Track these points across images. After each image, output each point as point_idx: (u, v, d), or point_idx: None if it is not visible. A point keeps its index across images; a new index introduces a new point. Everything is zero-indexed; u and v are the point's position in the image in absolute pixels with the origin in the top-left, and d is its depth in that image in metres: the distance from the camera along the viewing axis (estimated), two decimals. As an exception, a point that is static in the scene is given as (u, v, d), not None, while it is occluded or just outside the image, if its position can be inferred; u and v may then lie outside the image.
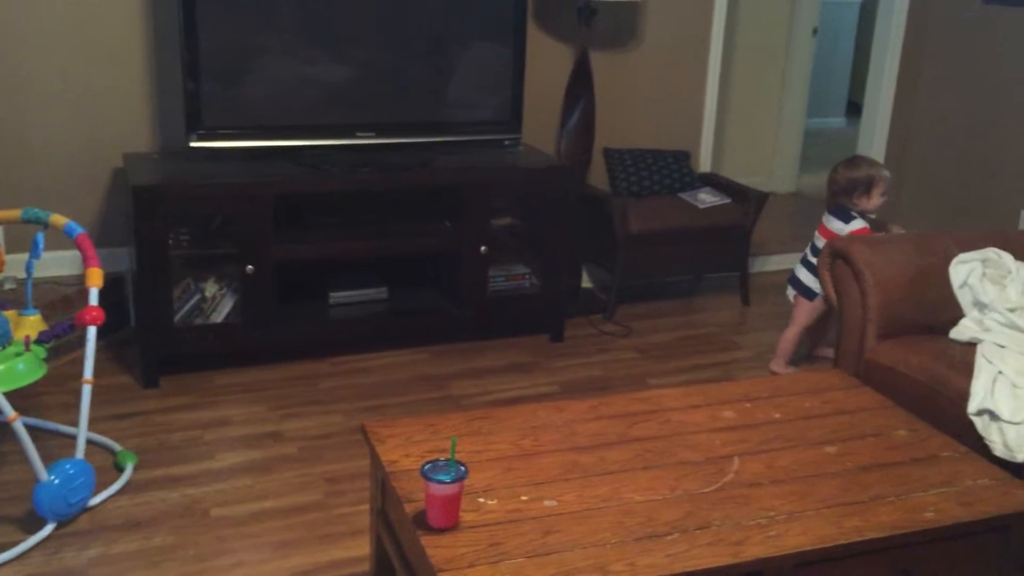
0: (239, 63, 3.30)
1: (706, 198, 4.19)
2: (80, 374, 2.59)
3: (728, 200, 4.20)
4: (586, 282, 4.39)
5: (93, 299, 2.62)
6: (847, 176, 3.48)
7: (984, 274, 2.80)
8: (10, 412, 2.35)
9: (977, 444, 2.37)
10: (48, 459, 2.50)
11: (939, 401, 2.55)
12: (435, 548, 1.68)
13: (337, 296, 3.64)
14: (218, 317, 3.38)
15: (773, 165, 5.82)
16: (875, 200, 3.48)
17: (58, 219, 2.73)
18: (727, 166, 5.30)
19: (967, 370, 2.55)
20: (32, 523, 2.48)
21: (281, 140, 3.39)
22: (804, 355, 3.80)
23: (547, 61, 4.09)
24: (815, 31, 5.70)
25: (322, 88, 3.43)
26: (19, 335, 2.66)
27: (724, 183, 4.35)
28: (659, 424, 2.19)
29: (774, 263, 4.75)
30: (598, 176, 4.29)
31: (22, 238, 3.29)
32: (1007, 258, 2.87)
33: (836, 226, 3.50)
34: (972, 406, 2.45)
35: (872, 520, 1.84)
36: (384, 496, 2.04)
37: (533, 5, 3.99)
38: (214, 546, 2.46)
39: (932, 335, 2.80)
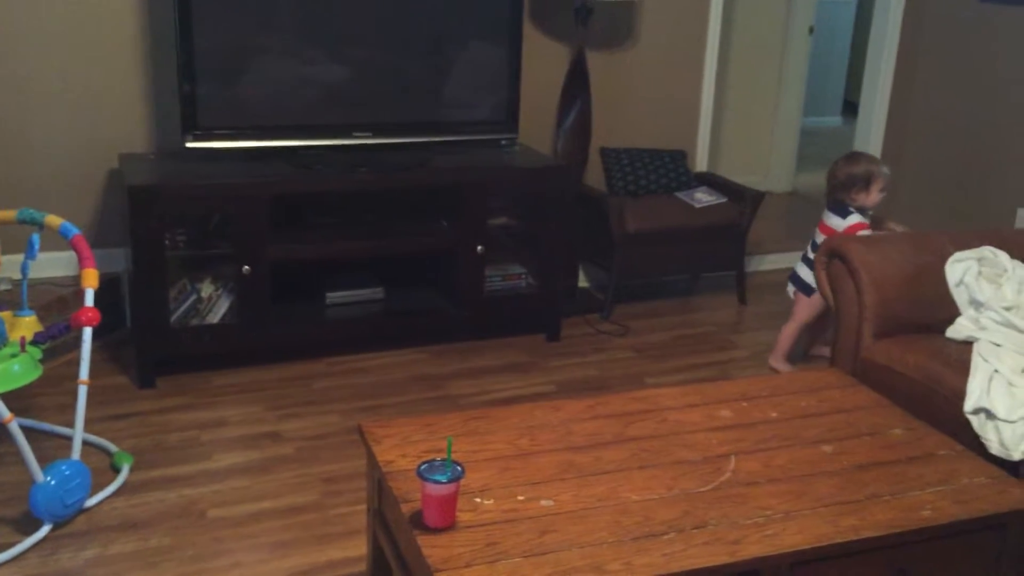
0: (235, 63, 3.29)
1: (702, 197, 4.20)
2: (76, 375, 2.59)
3: (724, 199, 4.20)
4: (583, 282, 4.39)
5: (89, 300, 2.62)
6: (846, 172, 3.50)
7: (980, 273, 2.80)
8: (6, 413, 2.35)
9: (973, 442, 2.37)
10: (44, 460, 2.49)
11: (935, 400, 2.55)
12: (432, 548, 1.68)
13: (334, 296, 3.64)
14: (214, 317, 3.37)
15: (769, 164, 5.83)
16: (874, 196, 3.49)
17: (54, 220, 2.73)
18: (723, 165, 5.31)
19: (963, 369, 2.55)
20: (28, 524, 2.48)
21: (277, 140, 3.38)
22: (801, 354, 3.80)
23: (543, 61, 4.09)
24: (811, 30, 5.71)
25: (318, 88, 3.42)
26: (15, 336, 2.65)
27: (720, 182, 4.36)
28: (656, 423, 2.19)
29: (770, 262, 4.76)
30: (595, 176, 4.29)
31: (18, 239, 3.28)
32: (1003, 257, 2.87)
33: (834, 222, 3.52)
34: (968, 404, 2.45)
35: (868, 519, 1.84)
36: (381, 496, 2.04)
37: (529, 5, 4.00)
38: (211, 547, 2.46)
39: (928, 334, 2.80)
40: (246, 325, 3.35)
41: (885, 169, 3.52)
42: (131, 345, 3.49)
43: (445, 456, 1.77)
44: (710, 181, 4.39)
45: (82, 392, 2.57)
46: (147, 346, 3.27)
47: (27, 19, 3.43)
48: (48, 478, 2.43)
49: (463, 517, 1.77)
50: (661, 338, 3.94)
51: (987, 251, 2.88)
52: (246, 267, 3.28)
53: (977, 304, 2.76)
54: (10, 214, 2.80)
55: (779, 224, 5.21)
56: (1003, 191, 4.38)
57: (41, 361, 2.62)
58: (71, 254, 3.33)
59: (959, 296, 2.81)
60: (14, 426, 2.37)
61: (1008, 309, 2.71)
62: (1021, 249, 2.95)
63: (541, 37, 4.12)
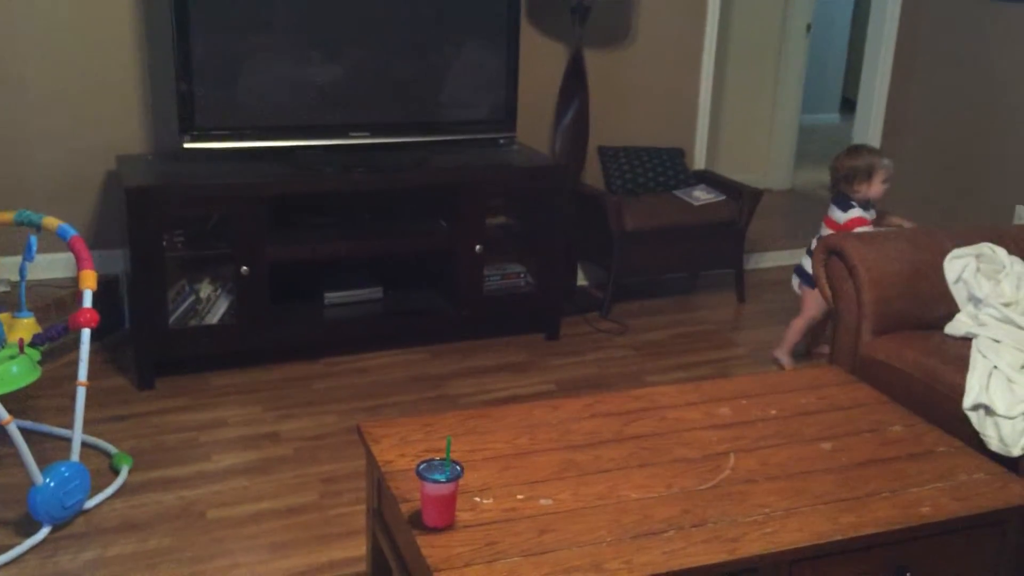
0: (232, 64, 3.29)
1: (701, 195, 4.20)
2: (75, 377, 2.58)
3: (723, 197, 4.20)
4: (581, 280, 4.39)
5: (87, 301, 2.62)
6: (848, 164, 3.54)
7: (979, 269, 2.80)
8: (5, 415, 2.35)
9: (973, 439, 2.37)
10: (43, 462, 2.49)
11: (934, 396, 2.55)
12: (431, 548, 1.68)
13: (332, 297, 3.64)
14: (213, 318, 3.37)
15: (768, 162, 5.82)
16: (876, 187, 3.51)
17: (51, 221, 2.73)
18: (722, 163, 5.30)
19: (962, 365, 2.55)
20: (27, 526, 2.48)
21: (275, 141, 3.38)
22: (802, 352, 3.80)
23: (541, 60, 4.09)
24: (809, 27, 5.71)
25: (316, 88, 3.42)
26: (13, 338, 2.65)
27: (719, 180, 4.36)
28: (655, 422, 2.19)
29: (769, 260, 4.76)
30: (593, 174, 4.29)
31: (16, 241, 3.28)
32: (1001, 253, 2.87)
33: (837, 215, 3.55)
34: (967, 401, 2.45)
35: (868, 516, 1.84)
36: (380, 496, 2.04)
37: (527, 4, 4.00)
38: (211, 548, 2.46)
39: (927, 331, 2.80)
40: (245, 326, 3.35)
41: (887, 160, 3.54)
42: (130, 346, 3.49)
43: (444, 456, 1.76)
44: (708, 179, 4.39)
45: (81, 393, 2.57)
46: (146, 347, 3.26)
47: (25, 21, 3.43)
48: (47, 480, 2.43)
49: (462, 516, 1.77)
50: (660, 336, 3.94)
51: (985, 247, 2.88)
52: (244, 268, 3.28)
53: (976, 300, 2.76)
54: (8, 216, 2.80)
55: (777, 222, 5.21)
56: (1001, 188, 4.38)
57: (40, 363, 2.62)
58: (69, 256, 3.33)
59: (958, 293, 2.81)
60: (13, 428, 2.37)
61: (1007, 305, 2.71)
62: (1019, 245, 2.95)
63: (539, 36, 4.12)
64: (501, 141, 3.73)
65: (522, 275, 3.84)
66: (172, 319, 3.29)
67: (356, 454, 2.87)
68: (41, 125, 3.53)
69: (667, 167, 4.33)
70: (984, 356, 2.54)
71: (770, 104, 5.72)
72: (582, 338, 3.88)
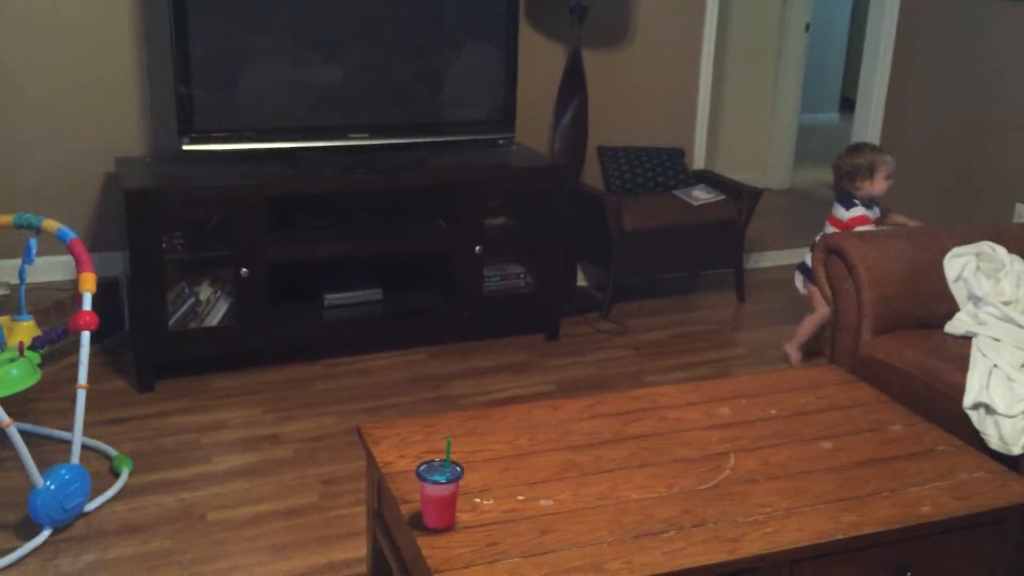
0: (231, 66, 3.29)
1: (700, 195, 4.19)
2: (75, 379, 2.58)
3: (722, 197, 4.20)
4: (581, 281, 4.39)
5: (87, 304, 2.62)
6: (850, 162, 3.57)
7: (978, 268, 2.80)
8: (5, 418, 2.35)
9: (973, 438, 2.37)
10: (43, 465, 2.49)
11: (935, 395, 2.55)
12: (431, 549, 1.68)
13: (332, 298, 3.64)
14: (213, 320, 3.37)
15: (767, 161, 5.82)
16: (879, 184, 3.52)
17: (50, 224, 2.73)
18: (721, 163, 5.30)
19: (962, 364, 2.55)
20: (28, 529, 2.48)
21: (274, 142, 3.38)
22: (803, 353, 3.79)
23: (540, 60, 4.09)
24: (808, 27, 5.71)
25: (314, 90, 3.42)
26: (13, 341, 2.65)
27: (718, 180, 4.35)
28: (655, 422, 2.19)
29: (769, 259, 4.76)
30: (592, 174, 4.29)
31: (15, 244, 3.28)
32: (1001, 251, 2.87)
33: (840, 213, 3.57)
34: (968, 400, 2.45)
35: (868, 515, 1.84)
36: (380, 497, 2.04)
37: (525, 4, 4.00)
38: (211, 550, 2.46)
39: (927, 329, 2.80)
40: (244, 328, 3.35)
41: (889, 157, 3.56)
42: (129, 349, 3.49)
43: (444, 457, 1.76)
44: (708, 179, 4.39)
45: (81, 396, 2.57)
46: (145, 350, 3.26)
47: (23, 23, 3.43)
48: (47, 483, 2.43)
49: (463, 517, 1.77)
50: (660, 336, 3.94)
51: (985, 246, 2.88)
52: (244, 269, 3.28)
53: (976, 299, 2.76)
54: (7, 219, 2.80)
55: (777, 221, 5.21)
56: (1001, 186, 4.38)
57: (40, 366, 2.62)
58: (69, 258, 3.33)
59: (958, 291, 2.81)
60: (13, 431, 2.37)
61: (1007, 304, 2.71)
62: (1019, 244, 2.95)
63: (537, 36, 4.12)
64: (500, 142, 3.73)
65: (522, 276, 3.84)
66: (172, 321, 3.29)
67: (356, 455, 2.86)
68: (40, 127, 3.53)
69: (666, 167, 4.33)
70: (984, 355, 2.54)
71: (769, 104, 5.72)
72: (582, 338, 3.88)
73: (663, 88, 4.44)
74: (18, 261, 2.83)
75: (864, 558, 1.82)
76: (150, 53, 3.58)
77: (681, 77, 4.47)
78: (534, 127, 4.10)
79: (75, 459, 2.54)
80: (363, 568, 2.37)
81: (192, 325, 3.34)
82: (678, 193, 4.25)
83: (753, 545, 1.73)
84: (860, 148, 3.65)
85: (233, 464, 2.87)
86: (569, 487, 1.90)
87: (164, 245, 3.22)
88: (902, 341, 2.74)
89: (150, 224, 3.13)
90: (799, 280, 3.71)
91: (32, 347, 2.63)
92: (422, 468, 1.73)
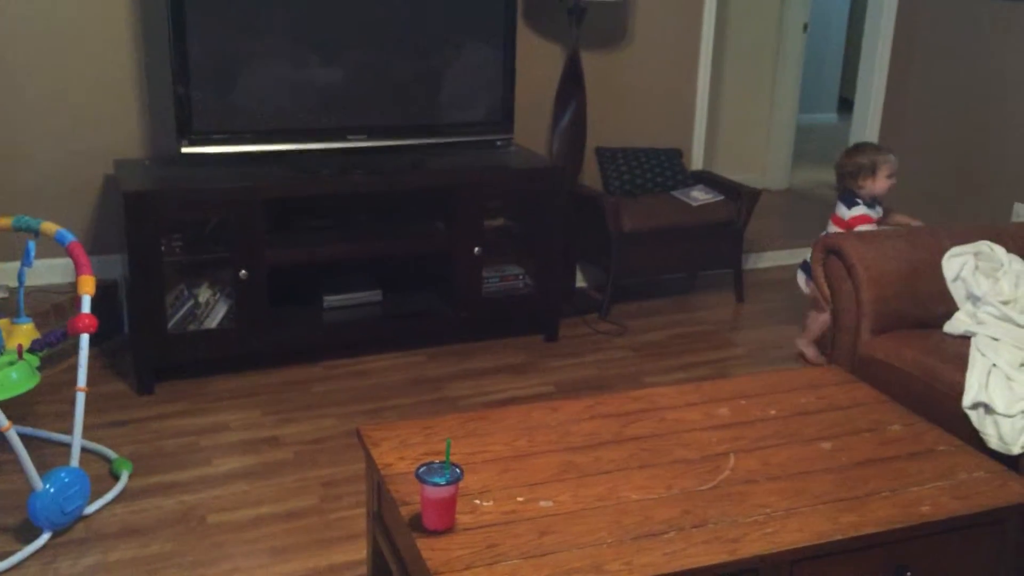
0: (229, 68, 3.29)
1: (699, 196, 4.20)
2: (74, 382, 2.58)
3: (721, 197, 4.20)
4: (580, 282, 4.39)
5: (86, 307, 2.62)
6: (852, 161, 3.59)
7: (977, 267, 2.80)
8: (4, 421, 2.35)
9: (972, 437, 2.37)
10: (43, 468, 2.49)
11: (934, 395, 2.55)
12: (431, 551, 1.68)
13: (331, 300, 3.64)
14: (212, 323, 3.37)
15: (765, 162, 5.83)
16: (881, 182, 3.53)
17: (49, 227, 2.72)
18: (720, 163, 5.31)
19: (961, 363, 2.55)
20: (28, 532, 2.47)
21: (272, 144, 3.38)
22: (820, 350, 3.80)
23: (538, 61, 4.09)
24: (805, 27, 5.71)
25: (313, 92, 3.42)
26: (12, 344, 2.65)
27: (717, 180, 4.35)
28: (654, 423, 2.19)
29: (768, 260, 4.76)
30: (591, 175, 4.29)
31: (14, 246, 3.28)
32: (999, 251, 2.87)
33: (842, 212, 3.59)
34: (967, 399, 2.45)
35: (868, 515, 1.84)
36: (380, 499, 2.04)
37: (523, 5, 4.00)
38: (211, 552, 2.46)
39: (926, 329, 2.80)
40: (244, 330, 3.35)
41: (891, 156, 3.58)
42: (129, 351, 3.49)
43: (444, 458, 1.76)
44: (706, 179, 4.39)
45: (80, 399, 2.57)
46: (145, 352, 3.26)
47: (21, 25, 3.43)
48: (47, 486, 2.43)
49: (462, 519, 1.77)
50: (659, 337, 3.94)
51: (984, 246, 2.88)
52: (243, 272, 3.28)
53: (974, 299, 2.76)
54: (6, 221, 2.80)
55: (776, 221, 5.21)
56: (999, 186, 4.39)
57: (39, 368, 2.62)
58: (67, 261, 3.33)
59: (956, 291, 2.82)
60: (12, 434, 2.37)
61: (1005, 303, 2.71)
62: (1018, 243, 2.95)
63: (535, 38, 4.12)
64: (498, 143, 3.73)
65: (521, 277, 3.84)
66: (171, 324, 3.29)
67: (356, 457, 2.86)
68: (38, 129, 3.53)
69: (665, 168, 4.33)
70: (983, 354, 2.54)
71: (767, 104, 5.72)
72: (581, 339, 3.88)
73: (661, 89, 4.44)
74: (17, 264, 2.83)
75: (864, 558, 1.82)
76: (149, 55, 3.58)
77: (679, 78, 4.47)
78: (532, 128, 4.10)
79: (75, 462, 2.54)
80: (363, 570, 2.37)
81: (191, 327, 3.34)
82: (677, 194, 4.25)
83: (753, 546, 1.73)
84: (862, 147, 3.67)
85: (233, 466, 2.87)
86: (569, 488, 1.90)
87: (163, 247, 3.22)
88: (901, 341, 2.74)
89: (149, 226, 3.13)
90: (801, 279, 3.71)
91: (31, 350, 2.63)
92: (422, 470, 1.73)
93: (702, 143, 4.61)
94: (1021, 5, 4.23)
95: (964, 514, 1.87)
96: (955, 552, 1.92)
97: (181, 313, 3.34)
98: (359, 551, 2.44)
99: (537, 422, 2.17)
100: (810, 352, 3.71)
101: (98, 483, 2.69)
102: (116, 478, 2.76)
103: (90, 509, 2.59)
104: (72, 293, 3.39)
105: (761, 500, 1.88)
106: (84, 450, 2.72)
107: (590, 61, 4.14)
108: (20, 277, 2.83)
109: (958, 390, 2.49)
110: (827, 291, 2.95)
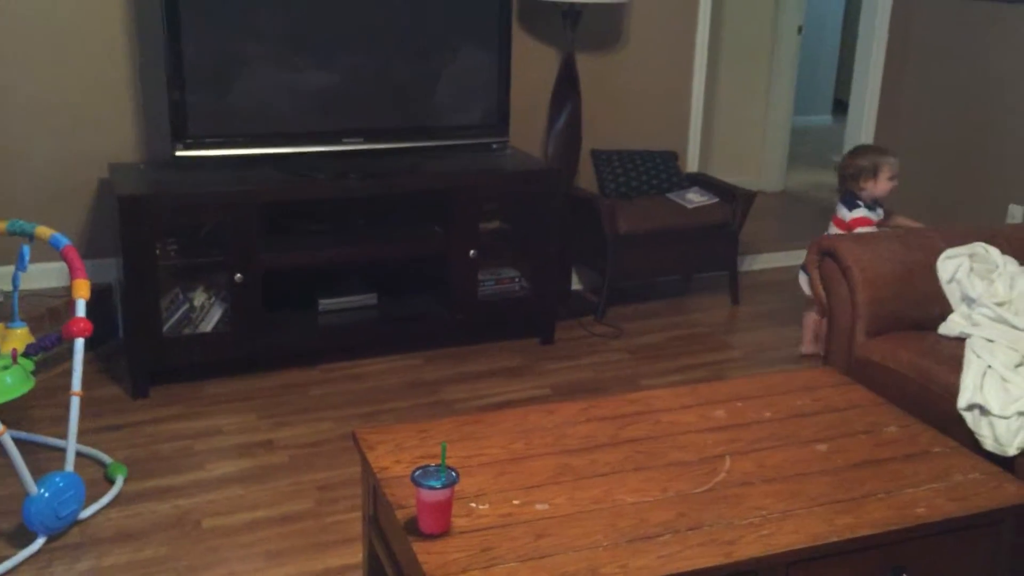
0: (224, 71, 3.28)
1: (694, 198, 4.20)
2: (69, 386, 2.58)
3: (716, 199, 4.20)
4: (576, 284, 4.39)
5: (80, 311, 2.61)
6: (853, 163, 3.62)
7: (972, 269, 2.81)
8: (-2, 426, 2.34)
9: (968, 439, 2.38)
10: (38, 472, 2.48)
11: (929, 396, 2.55)
12: (427, 554, 1.68)
13: (327, 303, 3.63)
14: (207, 326, 3.37)
15: (760, 164, 5.84)
16: (883, 184, 3.55)
17: (44, 231, 2.72)
18: (715, 166, 5.31)
19: (956, 365, 2.55)
20: (22, 537, 2.47)
21: (268, 148, 3.37)
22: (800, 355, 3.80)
23: (533, 64, 4.09)
24: (800, 29, 5.72)
25: (308, 95, 3.42)
26: (6, 348, 2.64)
27: (712, 183, 4.36)
28: (650, 425, 2.19)
29: (763, 262, 4.76)
30: (586, 178, 4.29)
31: (8, 250, 3.27)
32: (994, 253, 2.88)
33: (843, 213, 3.61)
34: (962, 401, 2.45)
35: (864, 517, 1.84)
36: (376, 503, 2.04)
37: (518, 8, 4.00)
38: (206, 557, 2.45)
39: (921, 331, 2.80)
40: (239, 333, 3.34)
41: (892, 158, 3.60)
42: (124, 356, 3.48)
43: (439, 462, 1.76)
44: (701, 181, 4.40)
45: (75, 403, 2.56)
46: (140, 356, 3.26)
47: (15, 28, 3.42)
48: (42, 490, 2.42)
49: (458, 523, 1.77)
50: (655, 339, 3.94)
51: (978, 247, 2.88)
52: (238, 275, 3.27)
53: (969, 300, 2.77)
54: (0, 225, 2.79)
55: (771, 224, 5.22)
56: (994, 187, 4.40)
57: (33, 373, 2.61)
58: (62, 265, 3.33)
59: (951, 293, 2.82)
60: (7, 438, 2.36)
61: (1000, 305, 2.72)
62: (1012, 245, 2.96)
63: (530, 40, 4.12)
64: (494, 146, 3.73)
65: (516, 279, 3.84)
66: (166, 327, 3.29)
67: (352, 461, 2.86)
68: (32, 133, 3.52)
69: (660, 170, 4.33)
70: (978, 356, 2.54)
71: (762, 106, 5.73)
72: (577, 342, 3.88)
73: (656, 91, 4.44)
74: (11, 268, 2.82)
75: (860, 560, 1.82)
76: (144, 58, 3.57)
77: (674, 80, 4.48)
78: (528, 131, 4.10)
79: (69, 466, 2.53)
80: (359, 574, 2.37)
81: (186, 331, 3.34)
82: (672, 196, 4.26)
83: (749, 548, 1.73)
84: (864, 149, 3.70)
85: (228, 470, 2.86)
86: (565, 491, 1.90)
87: (158, 251, 3.21)
88: (896, 343, 2.74)
89: (144, 230, 3.13)
90: (803, 280, 3.71)
91: (26, 354, 2.62)
92: (417, 473, 1.73)
93: (697, 145, 4.61)
94: (1015, 6, 4.24)
95: (960, 516, 1.87)
96: (951, 554, 1.92)
97: (176, 317, 3.33)
98: (355, 555, 2.44)
99: (533, 425, 2.17)
100: (814, 351, 3.70)
101: (93, 487, 2.68)
102: (111, 482, 2.75)
103: (85, 514, 2.58)
104: (67, 297, 3.38)
105: (757, 502, 1.88)
106: (79, 454, 2.71)
107: (585, 64, 4.14)
108: (14, 281, 2.82)
109: (953, 392, 2.49)
110: (823, 294, 2.96)
